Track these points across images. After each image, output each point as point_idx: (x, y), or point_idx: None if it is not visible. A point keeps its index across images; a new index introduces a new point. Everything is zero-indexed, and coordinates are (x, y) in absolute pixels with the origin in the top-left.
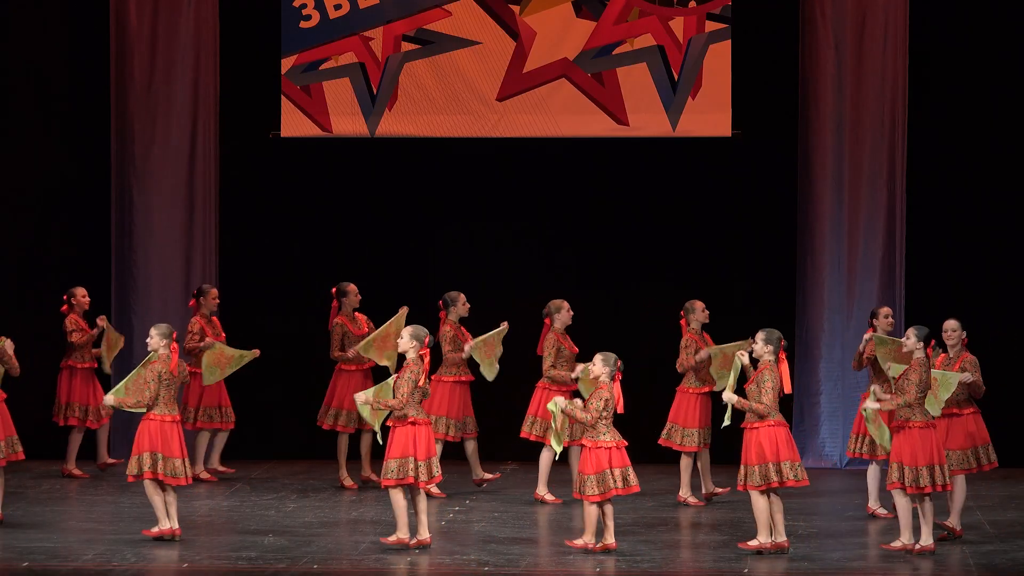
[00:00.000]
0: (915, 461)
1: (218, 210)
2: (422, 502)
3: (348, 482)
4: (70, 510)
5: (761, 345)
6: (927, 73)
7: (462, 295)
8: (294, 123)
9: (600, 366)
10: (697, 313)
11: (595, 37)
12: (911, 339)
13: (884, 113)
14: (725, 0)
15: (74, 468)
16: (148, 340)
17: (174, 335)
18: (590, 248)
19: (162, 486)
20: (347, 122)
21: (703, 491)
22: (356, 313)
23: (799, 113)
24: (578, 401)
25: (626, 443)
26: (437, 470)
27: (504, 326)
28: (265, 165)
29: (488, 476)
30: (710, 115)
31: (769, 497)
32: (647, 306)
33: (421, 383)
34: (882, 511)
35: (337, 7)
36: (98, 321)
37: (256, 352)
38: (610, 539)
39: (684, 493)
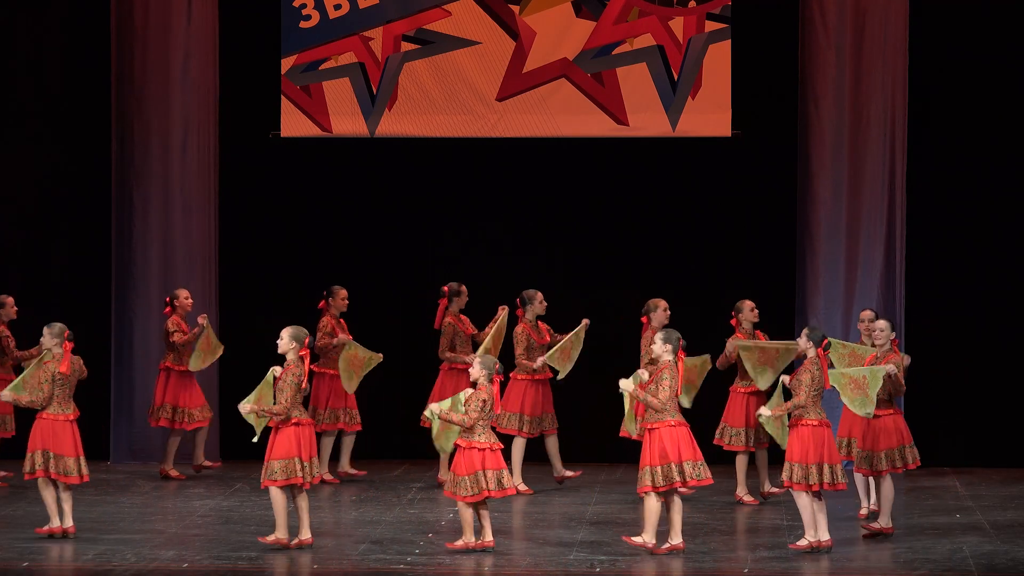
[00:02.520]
0: (806, 459)
1: (218, 210)
2: (304, 502)
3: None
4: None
5: (660, 345)
6: (927, 73)
7: (539, 293)
8: (294, 123)
9: (478, 369)
10: (746, 312)
11: (595, 37)
12: (803, 340)
13: (884, 113)
14: (725, 0)
15: (171, 469)
16: (41, 339)
17: (66, 334)
18: (590, 248)
19: (57, 484)
20: (347, 122)
21: (761, 490)
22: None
23: (799, 113)
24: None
25: (501, 445)
26: (318, 469)
27: (584, 323)
28: (265, 165)
29: (568, 473)
30: (710, 115)
31: (669, 498)
32: (639, 308)
33: (304, 385)
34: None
35: (337, 7)
36: (199, 320)
37: (380, 356)
38: (488, 537)
39: (740, 492)
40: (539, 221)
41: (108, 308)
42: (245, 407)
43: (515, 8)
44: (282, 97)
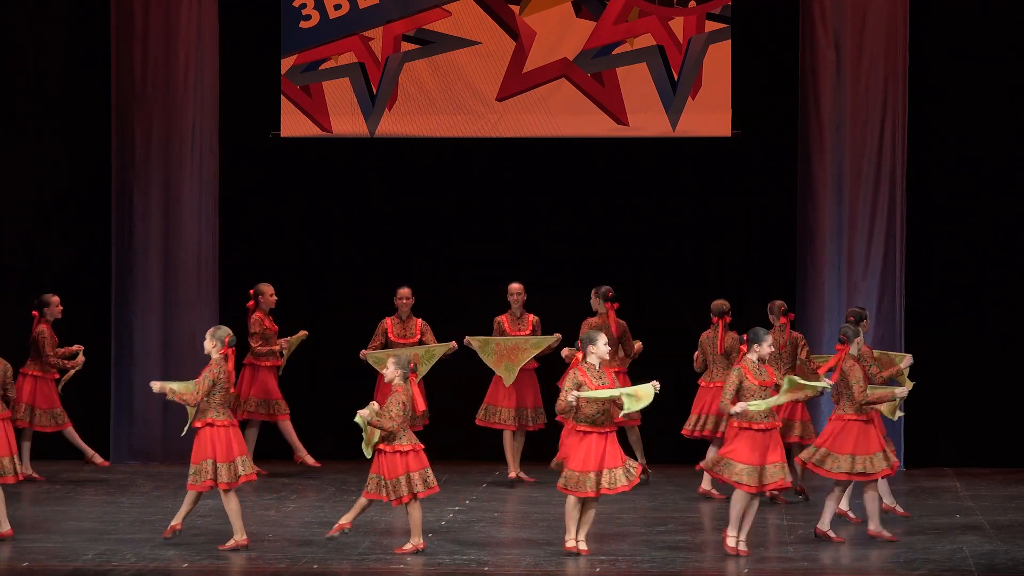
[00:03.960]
0: (748, 461)
1: (218, 210)
2: (232, 503)
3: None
4: (70, 510)
5: (392, 370)
6: (927, 73)
7: (605, 286)
8: (294, 123)
9: (393, 369)
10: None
11: (595, 37)
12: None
13: (884, 113)
14: (725, 0)
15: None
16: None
17: None
18: (590, 248)
19: None
20: (347, 122)
21: (794, 488)
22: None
23: (799, 113)
24: (374, 405)
25: (422, 446)
26: (243, 469)
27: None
28: (265, 165)
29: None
30: (710, 115)
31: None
32: (647, 306)
33: (226, 384)
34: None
35: (337, 7)
36: (283, 343)
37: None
38: (416, 539)
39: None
40: (539, 221)
41: (108, 308)
42: (159, 386)
43: (515, 8)
44: (282, 97)
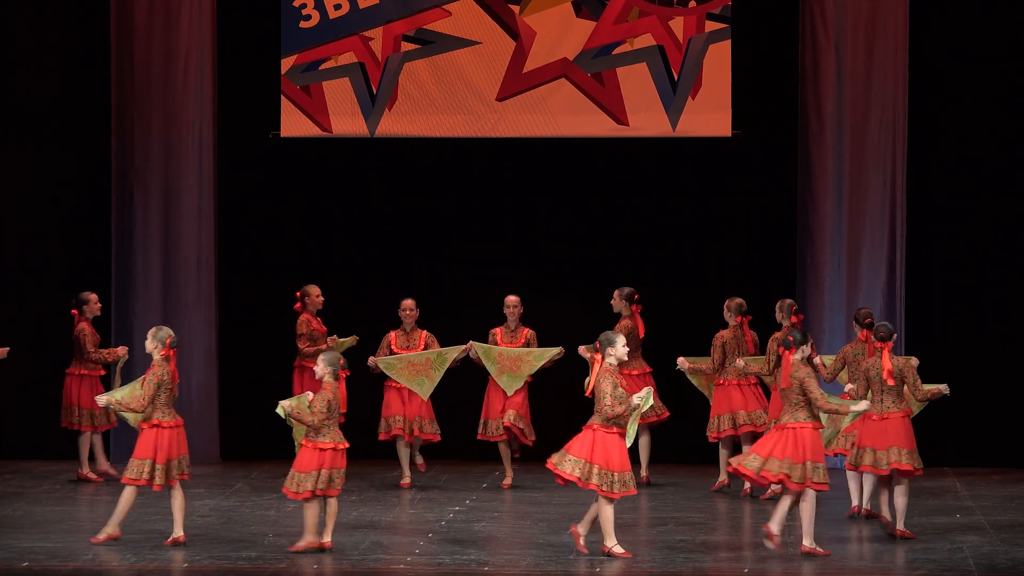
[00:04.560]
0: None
1: (218, 210)
2: (178, 500)
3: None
4: (70, 510)
5: (321, 367)
6: (927, 72)
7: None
8: (294, 123)
9: (322, 367)
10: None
11: (595, 37)
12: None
13: (884, 113)
14: (725, 0)
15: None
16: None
17: None
18: (590, 248)
19: None
20: (347, 122)
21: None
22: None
23: (799, 113)
24: (308, 396)
25: (347, 445)
26: (177, 472)
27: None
28: (265, 165)
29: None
30: (710, 115)
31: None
32: (647, 306)
33: (171, 385)
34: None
35: (337, 7)
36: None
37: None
38: (327, 538)
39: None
40: (539, 221)
41: (108, 308)
42: (103, 399)
43: (515, 8)
44: (282, 97)
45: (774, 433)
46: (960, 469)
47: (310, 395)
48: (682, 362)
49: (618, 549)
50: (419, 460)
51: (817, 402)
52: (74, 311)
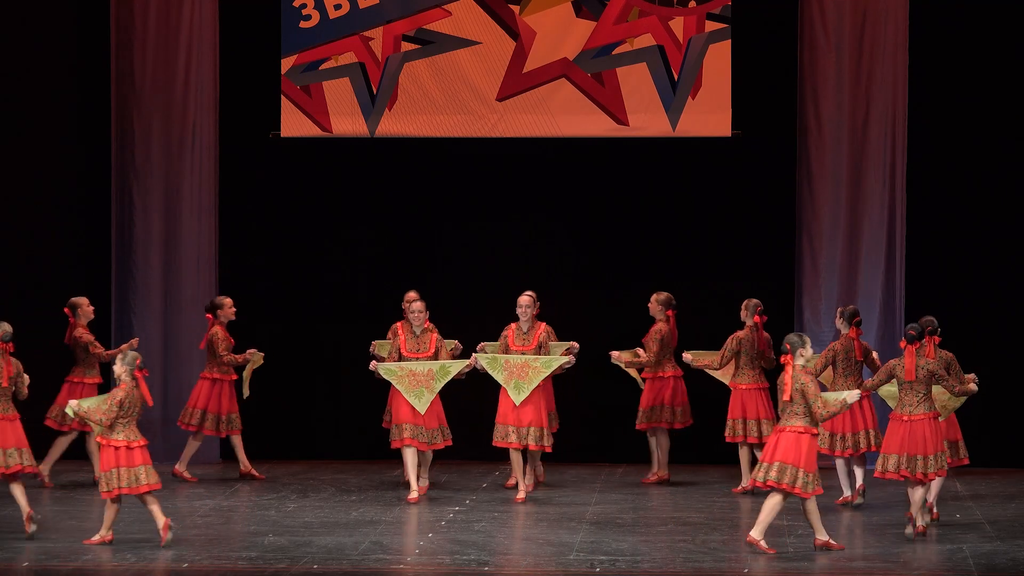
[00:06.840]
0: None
1: (218, 210)
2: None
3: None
4: (70, 510)
5: (119, 366)
6: (927, 72)
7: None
8: (294, 123)
9: (120, 365)
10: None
11: (595, 37)
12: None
13: (884, 113)
14: (725, 0)
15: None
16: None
17: None
18: (590, 248)
19: None
20: (347, 122)
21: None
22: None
23: (799, 113)
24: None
25: (143, 442)
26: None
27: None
28: (265, 165)
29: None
30: (710, 115)
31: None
32: (646, 305)
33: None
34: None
35: (337, 7)
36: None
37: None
38: (105, 531)
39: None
40: (539, 221)
41: (108, 308)
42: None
43: (515, 8)
44: (282, 97)
45: (772, 438)
46: (960, 469)
47: (118, 394)
48: (616, 356)
49: (825, 541)
50: (425, 482)
51: (815, 415)
52: (208, 315)
